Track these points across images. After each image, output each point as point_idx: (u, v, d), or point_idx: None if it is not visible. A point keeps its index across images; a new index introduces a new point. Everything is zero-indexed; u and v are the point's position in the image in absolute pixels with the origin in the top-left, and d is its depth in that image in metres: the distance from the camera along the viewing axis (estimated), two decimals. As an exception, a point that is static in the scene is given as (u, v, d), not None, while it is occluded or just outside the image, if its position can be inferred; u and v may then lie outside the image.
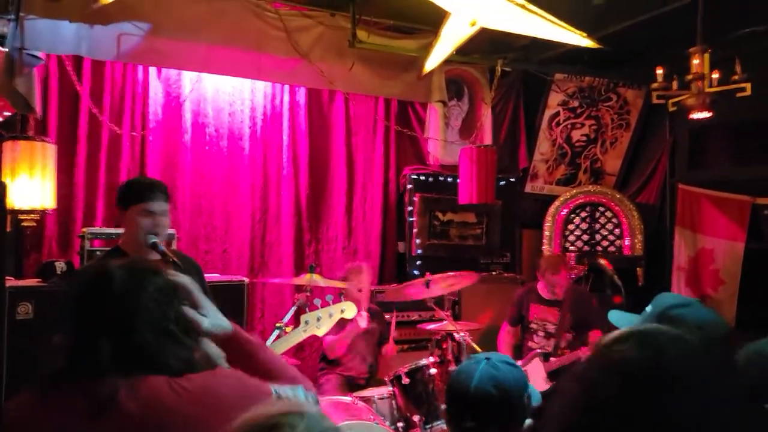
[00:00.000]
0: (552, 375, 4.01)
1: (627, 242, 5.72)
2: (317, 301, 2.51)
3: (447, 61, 4.62)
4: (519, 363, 4.02)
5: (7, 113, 3.96)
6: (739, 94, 3.82)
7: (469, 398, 1.47)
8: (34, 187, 3.76)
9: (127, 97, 4.53)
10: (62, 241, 4.32)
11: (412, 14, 4.73)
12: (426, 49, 4.51)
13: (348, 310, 2.55)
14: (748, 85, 3.77)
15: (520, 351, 4.32)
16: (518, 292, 4.49)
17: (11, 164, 3.73)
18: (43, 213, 3.92)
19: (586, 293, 4.35)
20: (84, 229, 3.86)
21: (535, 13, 3.56)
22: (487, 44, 4.97)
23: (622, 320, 1.78)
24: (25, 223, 3.87)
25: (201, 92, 4.79)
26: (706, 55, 3.80)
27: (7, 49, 3.81)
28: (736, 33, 4.49)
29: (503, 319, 4.62)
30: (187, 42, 4.39)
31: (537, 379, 4.02)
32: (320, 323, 2.48)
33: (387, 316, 4.38)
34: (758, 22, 4.46)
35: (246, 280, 4.24)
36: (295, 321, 2.57)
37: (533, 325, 4.24)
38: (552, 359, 4.06)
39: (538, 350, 4.14)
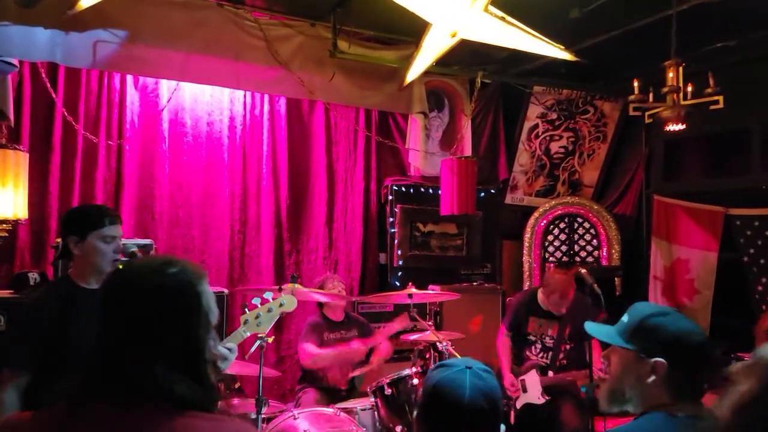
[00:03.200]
0: (546, 390, 3.97)
1: (605, 253, 5.79)
2: (256, 300, 2.46)
3: (427, 73, 4.64)
4: (521, 373, 4.04)
5: (-21, 121, 3.87)
6: (712, 107, 3.91)
7: (464, 411, 1.44)
8: (6, 197, 3.67)
9: (103, 105, 4.46)
10: (35, 251, 4.21)
11: (393, 25, 4.75)
12: (407, 60, 4.52)
13: (288, 303, 2.49)
14: (720, 98, 3.86)
15: (518, 356, 4.25)
16: (517, 300, 4.37)
17: (-17, 173, 3.63)
18: (15, 223, 3.82)
19: (585, 302, 4.28)
20: (58, 240, 3.77)
21: (515, 25, 3.60)
22: (467, 56, 5.00)
23: (598, 331, 1.77)
24: (-4, 233, 3.77)
25: (179, 101, 4.74)
26: (681, 69, 3.89)
27: (-21, 56, 3.73)
28: (709, 47, 4.60)
29: (485, 329, 4.62)
30: (165, 50, 4.34)
31: (533, 391, 3.99)
32: (260, 320, 2.40)
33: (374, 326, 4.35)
34: (729, 37, 4.58)
35: (226, 291, 4.17)
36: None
37: (531, 337, 4.18)
38: (550, 373, 4.02)
39: (536, 362, 4.10)
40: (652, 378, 1.57)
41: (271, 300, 2.43)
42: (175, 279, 1.14)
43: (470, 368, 1.51)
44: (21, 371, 2.18)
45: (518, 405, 4.03)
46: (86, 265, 2.34)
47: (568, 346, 4.10)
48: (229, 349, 2.18)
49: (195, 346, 1.13)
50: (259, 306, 2.44)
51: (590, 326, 1.82)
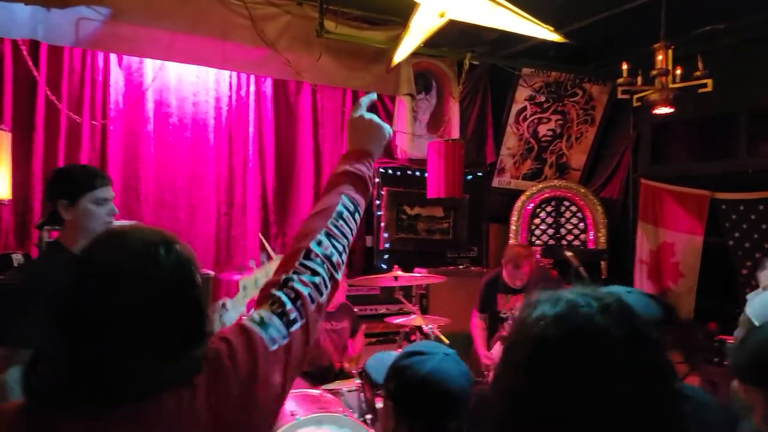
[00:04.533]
0: None
1: (591, 236, 5.82)
2: (252, 263, 2.34)
3: (415, 54, 4.60)
4: (490, 347, 4.08)
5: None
6: (700, 90, 3.91)
7: (452, 398, 1.43)
8: (-13, 177, 3.62)
9: (86, 84, 4.38)
10: (19, 232, 4.16)
11: (380, 5, 4.70)
12: (394, 41, 4.48)
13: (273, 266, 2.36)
14: (709, 82, 3.86)
15: (491, 333, 4.32)
16: (484, 280, 4.46)
17: (-37, 152, 3.57)
18: (-2, 204, 3.77)
19: (550, 273, 4.34)
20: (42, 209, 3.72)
21: (504, 6, 3.57)
22: (455, 37, 4.96)
23: None
24: (-22, 214, 3.72)
25: (164, 81, 4.67)
26: (670, 52, 3.88)
27: (-42, 32, 3.64)
28: (698, 30, 4.59)
29: (470, 311, 4.63)
30: (149, 28, 4.27)
31: None
32: (259, 284, 2.17)
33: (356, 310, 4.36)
34: (719, 20, 4.57)
35: (212, 273, 4.15)
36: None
37: (502, 314, 4.25)
38: None
39: (503, 334, 4.17)
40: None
41: (267, 262, 2.28)
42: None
43: (448, 355, 1.49)
44: (20, 348, 2.01)
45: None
46: (78, 229, 2.21)
47: None
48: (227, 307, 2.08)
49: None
50: (255, 270, 2.31)
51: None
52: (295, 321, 1.08)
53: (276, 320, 1.07)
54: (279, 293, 1.10)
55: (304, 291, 1.11)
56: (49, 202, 2.23)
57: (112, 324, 0.95)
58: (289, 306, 1.09)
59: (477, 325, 4.36)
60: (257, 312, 1.09)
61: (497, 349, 4.10)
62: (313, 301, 1.12)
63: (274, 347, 1.05)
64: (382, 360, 1.61)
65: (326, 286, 1.15)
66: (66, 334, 0.97)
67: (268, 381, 1.03)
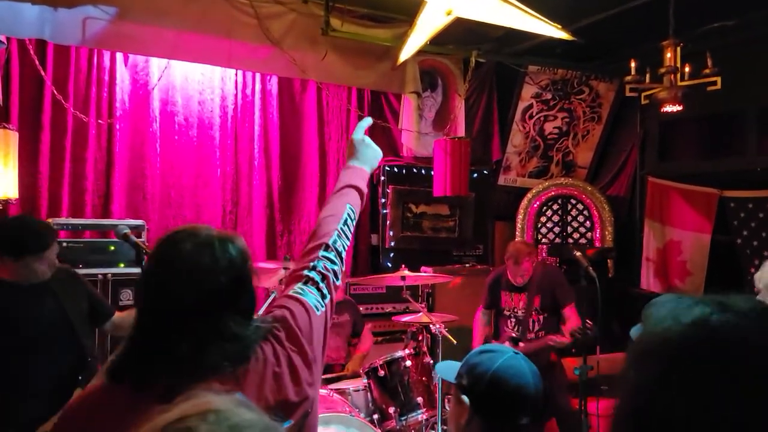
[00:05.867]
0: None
1: (597, 234, 5.79)
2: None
3: (421, 52, 4.59)
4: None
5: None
6: (709, 88, 3.88)
7: (530, 397, 1.45)
8: (-5, 176, 3.62)
9: (92, 83, 4.39)
10: (25, 232, 4.17)
11: (386, 3, 4.69)
12: (400, 39, 4.47)
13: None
14: (718, 79, 3.83)
15: (496, 333, 4.30)
16: (490, 277, 4.42)
17: (-29, 152, 3.58)
18: (6, 203, 3.78)
19: (554, 270, 4.29)
20: (49, 220, 3.73)
21: (511, 3, 3.55)
22: (461, 35, 4.94)
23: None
24: (-14, 213, 3.73)
25: (170, 80, 4.67)
26: (678, 49, 3.85)
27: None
28: (706, 27, 4.56)
29: (475, 307, 4.62)
30: (155, 27, 4.27)
31: None
32: None
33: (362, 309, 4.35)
34: (727, 17, 4.54)
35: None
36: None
37: (506, 312, 4.23)
38: (520, 344, 4.05)
39: (510, 334, 4.14)
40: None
41: None
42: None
43: (517, 353, 1.51)
44: None
45: None
46: (22, 275, 2.38)
47: (541, 317, 4.13)
48: None
49: None
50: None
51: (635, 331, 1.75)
52: (325, 296, 1.38)
53: (315, 292, 1.36)
54: (311, 273, 1.39)
55: (329, 274, 1.41)
56: None
57: (199, 304, 1.16)
58: (321, 284, 1.38)
59: (479, 321, 4.34)
60: (297, 286, 1.37)
61: None
62: (333, 282, 1.42)
63: (318, 313, 1.35)
64: (450, 365, 1.63)
65: (339, 275, 1.44)
66: (157, 322, 1.16)
67: (320, 336, 1.34)
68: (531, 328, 4.11)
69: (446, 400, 3.59)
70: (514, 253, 4.10)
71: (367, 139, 1.69)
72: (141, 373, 1.13)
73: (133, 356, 1.16)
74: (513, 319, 4.20)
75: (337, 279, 1.43)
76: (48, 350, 2.38)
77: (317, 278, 1.38)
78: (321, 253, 1.42)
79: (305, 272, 1.40)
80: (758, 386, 0.62)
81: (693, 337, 0.67)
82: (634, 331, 1.73)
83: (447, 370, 1.61)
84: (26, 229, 2.41)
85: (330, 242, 1.45)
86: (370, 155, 1.68)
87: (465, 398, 1.48)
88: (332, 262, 1.43)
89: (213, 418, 0.67)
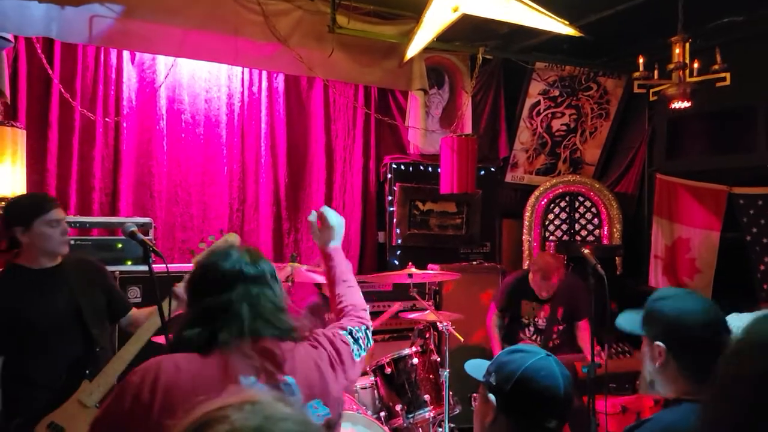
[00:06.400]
0: None
1: (605, 231, 5.76)
2: (202, 245, 2.54)
3: (428, 49, 4.57)
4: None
5: (-26, 97, 3.82)
6: (718, 84, 3.85)
7: (559, 400, 1.40)
8: (4, 174, 3.63)
9: (99, 81, 4.40)
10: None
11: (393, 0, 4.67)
12: (407, 36, 4.45)
13: (234, 239, 2.54)
14: (727, 75, 3.79)
15: (510, 339, 4.23)
16: (509, 281, 4.34)
17: (-21, 150, 3.59)
18: (13, 201, 3.79)
19: (576, 283, 4.20)
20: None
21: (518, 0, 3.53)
22: (468, 32, 4.92)
23: (628, 321, 1.73)
24: (-6, 211, 3.74)
25: (176, 78, 4.68)
26: (687, 45, 3.82)
27: (-27, 31, 3.66)
28: (715, 23, 4.52)
29: (484, 308, 4.61)
30: (161, 25, 4.27)
31: None
32: None
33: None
34: (737, 12, 4.50)
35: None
36: None
37: (524, 320, 4.17)
38: None
39: (527, 342, 4.09)
40: (659, 363, 1.54)
41: (216, 241, 2.52)
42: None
43: (550, 355, 1.46)
44: None
45: None
46: (36, 249, 2.46)
47: (560, 327, 4.09)
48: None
49: None
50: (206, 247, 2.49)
51: (622, 318, 1.76)
52: (361, 350, 1.66)
53: (354, 345, 1.64)
54: (353, 329, 1.68)
55: (360, 335, 1.69)
56: (6, 230, 2.47)
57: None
58: (359, 339, 1.67)
59: (494, 324, 4.26)
60: (344, 333, 1.65)
61: None
62: (366, 342, 1.71)
63: (358, 359, 1.65)
64: (478, 363, 1.61)
65: (366, 340, 1.72)
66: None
67: (353, 370, 1.62)
68: (552, 338, 4.08)
69: (452, 398, 3.58)
70: (543, 267, 4.00)
71: (331, 216, 1.91)
72: (225, 342, 1.38)
73: (218, 330, 1.39)
74: (531, 328, 4.15)
75: (369, 341, 1.72)
76: (59, 340, 2.43)
77: (357, 335, 1.67)
78: (355, 319, 1.72)
79: (347, 328, 1.68)
80: None
81: None
82: (621, 320, 1.74)
83: (476, 368, 1.57)
84: (29, 197, 2.63)
85: (359, 313, 1.77)
86: (341, 230, 1.94)
87: (492, 397, 1.44)
88: (359, 329, 1.71)
89: (249, 408, 0.72)
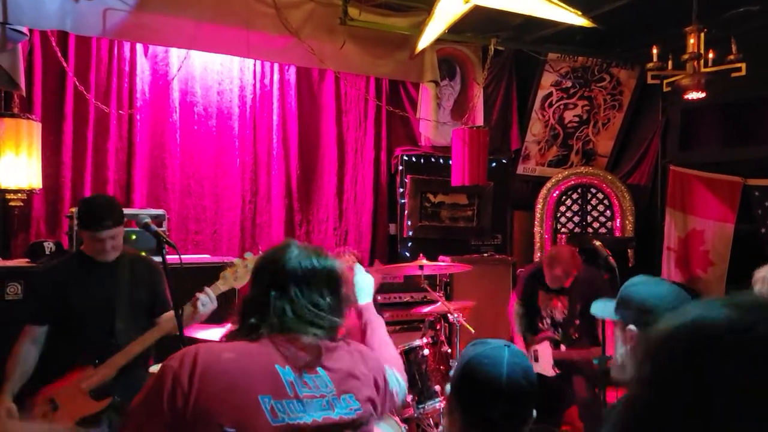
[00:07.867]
0: (558, 364, 3.94)
1: (618, 223, 5.74)
2: (248, 254, 2.59)
3: (439, 40, 4.56)
4: (534, 342, 4.03)
5: (-10, 90, 3.87)
6: (734, 74, 3.81)
7: (502, 388, 1.35)
8: (20, 166, 3.68)
9: (113, 74, 4.44)
10: (50, 221, 4.25)
11: (404, -9, 4.66)
12: (418, 28, 4.45)
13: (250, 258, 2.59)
14: (743, 65, 3.75)
15: (532, 328, 4.21)
16: (526, 274, 4.32)
17: (-4, 142, 3.64)
18: (30, 193, 3.84)
19: (593, 276, 4.16)
20: (72, 209, 3.78)
21: (530, -10, 3.52)
22: (480, 23, 4.90)
23: (601, 309, 1.76)
24: (12, 203, 3.81)
25: (189, 70, 4.70)
26: (702, 35, 3.78)
27: (-11, 25, 3.70)
28: (731, 12, 4.46)
29: (495, 300, 4.62)
30: (174, 18, 4.30)
31: (544, 362, 3.97)
32: (237, 275, 2.53)
33: None
34: (753, 2, 4.44)
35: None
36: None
37: (542, 312, 4.17)
38: (562, 347, 3.98)
39: (551, 335, 4.07)
40: (631, 346, 1.55)
41: (249, 257, 2.54)
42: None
43: (508, 346, 1.43)
44: (35, 325, 2.56)
45: None
46: (96, 249, 2.59)
47: (578, 321, 4.08)
48: (209, 296, 2.47)
49: None
50: (237, 263, 2.55)
51: (595, 306, 1.80)
52: (397, 396, 1.70)
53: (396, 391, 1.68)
54: (395, 378, 1.70)
55: (400, 385, 1.72)
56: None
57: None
58: (401, 390, 1.72)
59: (516, 312, 4.23)
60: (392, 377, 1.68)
61: (543, 348, 4.02)
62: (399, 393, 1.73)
63: (398, 399, 1.70)
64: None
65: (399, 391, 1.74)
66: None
67: (390, 402, 1.65)
68: (572, 332, 4.06)
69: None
70: (548, 257, 4.01)
71: (359, 277, 1.97)
72: (265, 335, 1.43)
73: (259, 324, 1.45)
74: (548, 320, 4.15)
75: (404, 390, 1.74)
76: (86, 325, 2.55)
77: (401, 386, 1.71)
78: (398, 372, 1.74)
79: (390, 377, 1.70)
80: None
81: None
82: (595, 308, 1.76)
83: None
84: (91, 205, 2.65)
85: (398, 367, 1.78)
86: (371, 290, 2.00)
87: (447, 388, 1.47)
88: (399, 380, 1.73)
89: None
